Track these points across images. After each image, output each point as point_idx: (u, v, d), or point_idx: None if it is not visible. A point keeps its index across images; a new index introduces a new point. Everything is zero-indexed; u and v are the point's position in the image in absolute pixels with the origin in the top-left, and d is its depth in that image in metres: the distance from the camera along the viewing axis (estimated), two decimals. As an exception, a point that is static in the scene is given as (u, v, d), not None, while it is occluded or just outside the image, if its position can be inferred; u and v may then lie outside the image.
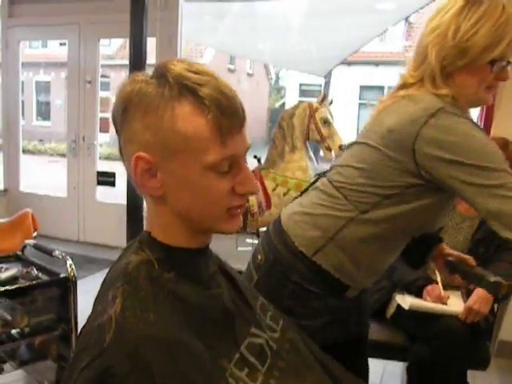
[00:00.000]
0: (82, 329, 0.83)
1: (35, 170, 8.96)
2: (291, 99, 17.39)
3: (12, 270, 2.19)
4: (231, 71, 19.17)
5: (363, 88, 16.23)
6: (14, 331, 2.08)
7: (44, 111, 19.29)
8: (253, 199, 3.48)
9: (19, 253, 2.43)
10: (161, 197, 0.84)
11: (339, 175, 1.37)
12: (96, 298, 0.86)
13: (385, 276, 2.34)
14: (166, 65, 0.83)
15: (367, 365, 1.67)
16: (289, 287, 1.37)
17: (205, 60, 16.82)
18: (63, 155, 9.21)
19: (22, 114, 6.55)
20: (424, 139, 1.22)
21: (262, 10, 5.29)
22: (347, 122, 15.05)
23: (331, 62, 5.75)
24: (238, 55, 12.38)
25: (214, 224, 0.87)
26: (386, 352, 2.28)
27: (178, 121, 0.79)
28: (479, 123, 3.28)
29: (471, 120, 1.29)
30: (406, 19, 12.78)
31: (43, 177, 9.23)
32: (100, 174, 4.88)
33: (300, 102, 3.67)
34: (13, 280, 2.14)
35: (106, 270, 0.92)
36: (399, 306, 2.21)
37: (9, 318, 2.03)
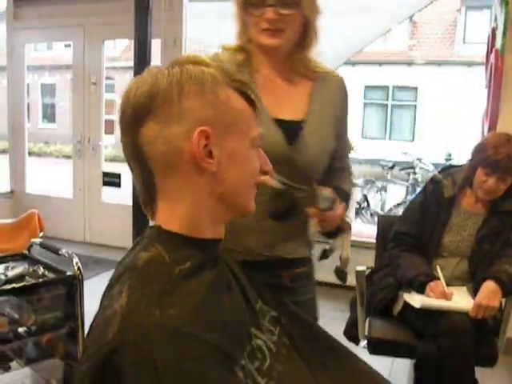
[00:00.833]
0: (90, 325, 0.84)
1: (41, 171, 8.98)
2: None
3: (19, 269, 2.20)
4: (235, 72, 19.21)
5: (367, 88, 16.21)
6: (21, 329, 2.09)
7: (49, 113, 19.35)
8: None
9: (26, 252, 2.44)
10: (212, 174, 0.87)
11: None
12: (103, 293, 0.87)
13: (389, 273, 2.35)
14: (196, 56, 0.92)
15: None
16: None
17: (209, 61, 16.87)
18: (69, 157, 9.26)
19: (28, 117, 6.57)
20: None
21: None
22: (352, 122, 15.06)
23: (335, 63, 5.74)
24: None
25: (247, 201, 0.94)
26: (393, 349, 2.28)
27: (232, 100, 0.88)
28: (485, 120, 3.27)
29: None
30: (410, 18, 12.75)
31: (49, 178, 9.26)
32: (105, 174, 4.89)
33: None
34: (19, 278, 2.14)
35: (112, 271, 0.92)
36: (405, 304, 2.20)
37: (16, 316, 2.04)
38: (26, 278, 2.16)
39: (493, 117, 3.00)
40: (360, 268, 2.32)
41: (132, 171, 0.91)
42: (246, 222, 1.14)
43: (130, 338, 0.73)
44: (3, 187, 5.83)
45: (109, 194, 5.40)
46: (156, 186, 0.89)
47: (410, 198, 7.11)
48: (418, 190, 5.19)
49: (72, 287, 2.16)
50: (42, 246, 2.42)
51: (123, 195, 4.63)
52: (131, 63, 3.74)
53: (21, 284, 2.09)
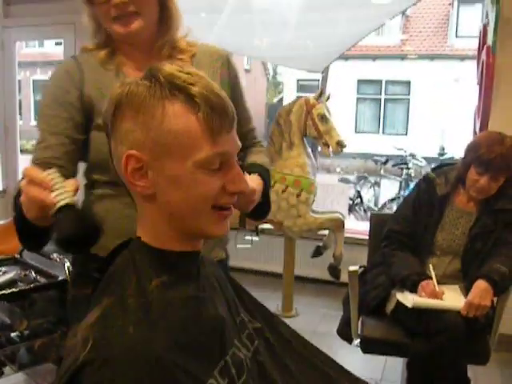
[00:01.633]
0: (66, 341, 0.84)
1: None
2: (289, 94, 17.37)
3: (10, 274, 2.19)
4: (228, 67, 19.14)
5: (361, 82, 16.20)
6: (13, 334, 2.09)
7: (42, 110, 19.22)
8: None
9: (17, 256, 2.43)
10: (151, 196, 0.85)
11: None
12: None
13: (382, 272, 2.35)
14: (157, 66, 0.85)
15: None
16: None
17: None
18: (61, 154, 9.20)
19: (20, 114, 6.53)
20: None
21: (258, 5, 5.26)
22: (345, 117, 15.06)
23: (328, 58, 5.73)
24: (235, 52, 12.35)
25: (203, 225, 0.87)
26: (386, 348, 2.29)
27: (170, 119, 0.81)
28: (477, 118, 3.27)
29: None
30: (403, 12, 12.75)
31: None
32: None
33: (297, 98, 3.66)
34: (11, 283, 2.14)
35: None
36: (398, 303, 2.21)
37: (8, 321, 2.03)
38: (18, 283, 2.15)
39: (484, 114, 3.00)
40: (352, 268, 2.32)
41: None
42: None
43: (97, 359, 0.73)
44: (-5, 186, 5.80)
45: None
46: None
47: (403, 193, 7.13)
48: (412, 184, 5.19)
49: (64, 292, 2.15)
50: (33, 249, 2.40)
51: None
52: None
53: (12, 290, 2.08)
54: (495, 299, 2.18)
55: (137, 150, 0.81)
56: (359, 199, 6.79)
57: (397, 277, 2.25)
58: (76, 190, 0.95)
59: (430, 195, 2.34)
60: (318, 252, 3.74)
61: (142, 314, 0.78)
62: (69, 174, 1.20)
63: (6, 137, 5.76)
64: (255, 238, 3.68)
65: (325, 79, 8.45)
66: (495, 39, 3.00)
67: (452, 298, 2.15)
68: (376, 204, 7.43)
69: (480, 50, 3.45)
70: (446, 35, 15.47)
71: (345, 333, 2.42)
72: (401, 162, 7.69)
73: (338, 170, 9.49)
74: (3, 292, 2.04)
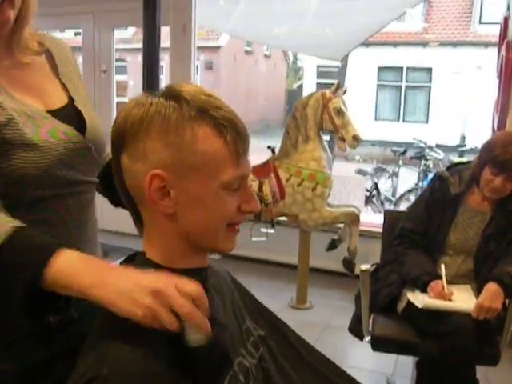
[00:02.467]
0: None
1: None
2: (309, 80, 17.27)
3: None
4: (248, 53, 19.07)
5: (381, 69, 16.03)
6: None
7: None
8: (267, 189, 3.49)
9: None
10: (171, 215, 0.86)
11: None
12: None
13: (394, 270, 2.36)
14: (178, 87, 0.87)
15: None
16: None
17: (221, 42, 16.76)
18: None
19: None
20: None
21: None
22: (365, 104, 14.94)
23: (348, 47, 5.70)
24: (254, 40, 12.29)
25: (219, 243, 0.90)
26: (396, 347, 2.30)
27: (198, 141, 0.83)
28: (495, 113, 3.24)
29: None
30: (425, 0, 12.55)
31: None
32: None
33: (313, 92, 3.64)
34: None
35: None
36: (409, 302, 2.22)
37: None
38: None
39: (503, 111, 2.97)
40: (364, 267, 2.33)
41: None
42: None
43: (100, 373, 0.75)
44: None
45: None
46: (140, 212, 0.92)
47: (421, 184, 7.08)
48: (430, 175, 5.14)
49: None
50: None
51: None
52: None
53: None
54: (507, 300, 2.18)
55: (162, 169, 0.83)
56: (376, 191, 6.75)
57: (408, 276, 2.26)
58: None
59: (443, 194, 2.33)
60: (332, 245, 3.75)
61: (147, 330, 0.80)
62: None
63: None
64: (270, 231, 3.70)
65: (344, 67, 8.38)
66: (515, 34, 2.96)
67: (463, 299, 2.15)
68: (394, 195, 7.39)
69: (500, 42, 3.40)
70: (469, 21, 15.19)
71: (356, 330, 2.44)
72: (419, 153, 7.62)
73: (358, 157, 9.42)
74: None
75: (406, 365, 2.85)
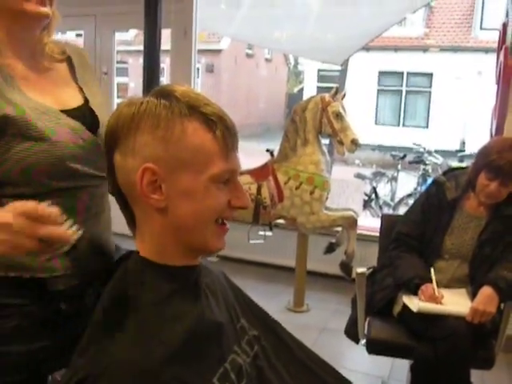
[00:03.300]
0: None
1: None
2: (310, 84, 17.29)
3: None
4: (249, 56, 19.10)
5: (382, 74, 16.06)
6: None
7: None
8: (265, 192, 3.50)
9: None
10: (163, 209, 0.88)
11: None
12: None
13: (390, 274, 2.37)
14: (169, 87, 0.90)
15: None
16: None
17: (222, 45, 16.79)
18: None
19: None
20: None
21: (280, -1, 5.27)
22: (365, 108, 14.96)
23: (349, 51, 5.73)
24: (255, 44, 12.33)
25: (207, 239, 0.92)
26: (391, 350, 2.31)
27: (188, 135, 0.86)
28: (494, 118, 3.25)
29: None
30: (426, 5, 12.57)
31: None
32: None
33: (313, 96, 3.66)
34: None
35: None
36: (405, 305, 2.23)
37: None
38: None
39: (500, 117, 2.98)
40: (360, 270, 2.34)
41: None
42: None
43: (90, 373, 0.78)
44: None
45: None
46: (132, 210, 0.94)
47: (420, 188, 7.09)
48: (429, 180, 5.17)
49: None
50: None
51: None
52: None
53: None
54: (502, 304, 2.19)
55: (153, 163, 0.85)
56: (374, 195, 6.76)
57: (401, 279, 2.28)
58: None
59: (439, 199, 2.35)
60: (330, 248, 3.76)
61: (140, 330, 0.82)
62: None
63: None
64: (268, 233, 3.71)
65: (344, 72, 8.41)
66: (513, 41, 2.97)
67: (458, 303, 2.16)
68: (393, 199, 7.41)
69: (499, 48, 3.41)
70: (470, 27, 15.23)
71: (352, 332, 2.45)
72: (418, 158, 7.65)
73: (357, 162, 9.44)
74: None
75: (401, 368, 2.86)
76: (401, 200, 6.99)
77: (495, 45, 3.57)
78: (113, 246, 1.24)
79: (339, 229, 3.71)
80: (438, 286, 2.18)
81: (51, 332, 1.08)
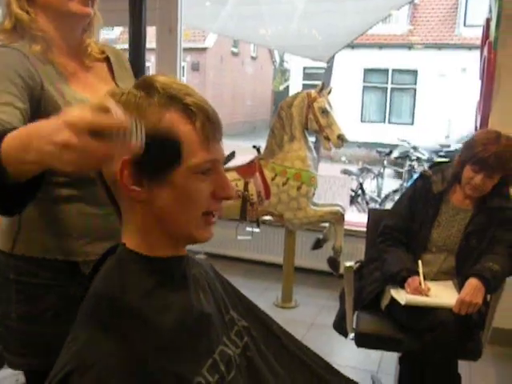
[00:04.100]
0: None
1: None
2: (295, 82, 17.31)
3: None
4: (235, 54, 19.08)
5: (367, 71, 16.12)
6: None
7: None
8: (252, 189, 3.51)
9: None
10: (145, 201, 0.88)
11: None
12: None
13: (377, 268, 2.38)
14: (151, 78, 0.89)
15: None
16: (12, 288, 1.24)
17: (208, 43, 16.75)
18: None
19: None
20: None
21: (264, -5, 5.27)
22: (351, 105, 15.02)
23: (334, 48, 5.74)
24: (241, 39, 12.32)
25: (193, 230, 0.91)
26: (380, 343, 2.32)
27: (167, 127, 0.84)
28: (478, 113, 3.28)
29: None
30: (410, 2, 12.64)
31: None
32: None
33: (299, 92, 3.67)
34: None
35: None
36: (392, 298, 2.24)
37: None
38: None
39: (485, 111, 3.01)
40: (348, 264, 2.35)
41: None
42: None
43: (78, 364, 0.77)
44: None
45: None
46: (118, 202, 0.93)
47: (406, 184, 7.13)
48: (415, 176, 5.24)
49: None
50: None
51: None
52: (129, 45, 3.79)
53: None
54: (489, 296, 2.21)
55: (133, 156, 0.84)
56: (361, 191, 6.80)
57: (388, 273, 2.29)
58: None
59: (426, 192, 2.36)
60: (318, 244, 3.77)
61: (128, 322, 0.81)
62: None
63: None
64: (256, 230, 3.71)
65: (329, 69, 8.43)
66: (497, 35, 3.00)
67: (445, 295, 2.17)
68: (379, 195, 7.45)
69: (483, 44, 3.44)
70: (454, 24, 15.35)
71: (340, 327, 2.46)
72: (403, 154, 7.70)
73: (344, 159, 9.47)
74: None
75: (390, 362, 2.88)
76: (387, 196, 7.03)
77: (479, 42, 3.60)
78: None
79: (326, 224, 3.72)
80: (425, 278, 2.20)
81: (62, 317, 1.16)
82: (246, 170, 3.54)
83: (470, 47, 13.77)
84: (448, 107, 14.01)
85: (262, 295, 3.87)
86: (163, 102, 0.85)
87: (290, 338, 1.17)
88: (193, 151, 0.86)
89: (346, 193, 5.55)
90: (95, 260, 1.06)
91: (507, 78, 3.04)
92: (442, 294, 2.18)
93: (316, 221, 3.62)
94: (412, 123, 15.76)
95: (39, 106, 1.16)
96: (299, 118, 3.49)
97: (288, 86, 19.01)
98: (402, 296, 2.18)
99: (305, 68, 16.89)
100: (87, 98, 1.21)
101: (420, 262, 2.24)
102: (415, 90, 15.86)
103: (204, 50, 16.89)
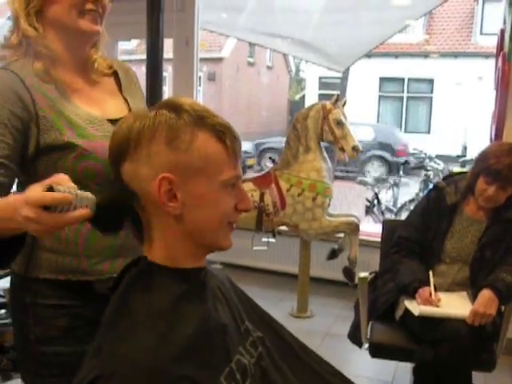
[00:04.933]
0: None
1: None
2: (311, 91, 17.35)
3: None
4: (251, 64, 19.15)
5: (383, 80, 16.11)
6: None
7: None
8: (268, 199, 3.54)
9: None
10: (178, 215, 0.93)
11: None
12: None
13: (391, 278, 2.40)
14: (175, 100, 0.96)
15: None
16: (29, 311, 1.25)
17: (224, 53, 16.85)
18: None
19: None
20: None
21: (280, 5, 5.31)
22: (367, 114, 15.00)
23: (350, 58, 5.76)
24: (258, 45, 12.37)
25: (220, 240, 0.99)
26: (393, 353, 2.34)
27: (201, 145, 0.91)
28: (493, 123, 3.28)
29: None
30: (427, 12, 12.61)
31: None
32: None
33: (314, 103, 3.70)
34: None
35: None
36: (406, 309, 2.26)
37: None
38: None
39: (499, 122, 3.01)
40: (362, 275, 2.38)
41: None
42: None
43: (103, 372, 0.81)
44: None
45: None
46: (141, 216, 0.98)
47: (422, 194, 7.10)
48: (431, 185, 5.23)
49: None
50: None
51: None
52: (146, 56, 3.86)
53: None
54: (503, 307, 2.22)
55: (168, 172, 0.90)
56: (377, 201, 6.78)
57: (400, 283, 2.31)
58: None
59: (439, 204, 2.38)
60: (333, 254, 3.79)
61: (150, 331, 0.85)
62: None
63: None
64: (271, 240, 3.74)
65: (345, 78, 8.42)
66: (511, 47, 3.01)
67: (459, 306, 2.18)
68: (395, 205, 7.42)
69: (497, 54, 3.45)
70: (470, 32, 15.29)
71: (355, 337, 2.48)
72: (419, 163, 7.67)
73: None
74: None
75: (405, 372, 2.88)
76: (403, 205, 6.99)
77: (495, 50, 3.61)
78: None
79: (341, 235, 3.74)
80: (438, 289, 2.21)
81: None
82: (262, 180, 3.58)
83: (486, 55, 13.68)
84: (464, 116, 13.93)
85: (278, 305, 3.89)
86: (194, 122, 0.92)
87: (302, 347, 1.19)
88: (223, 168, 0.94)
89: (361, 203, 5.55)
90: (108, 278, 1.11)
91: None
92: (456, 305, 2.19)
93: (331, 231, 3.64)
94: (428, 132, 15.69)
95: (38, 134, 1.16)
96: (314, 130, 3.52)
97: (304, 96, 19.04)
98: (415, 307, 2.20)
99: (321, 77, 16.93)
100: (90, 113, 1.23)
101: (431, 272, 2.26)
102: (431, 99, 15.80)
103: (220, 59, 16.99)
